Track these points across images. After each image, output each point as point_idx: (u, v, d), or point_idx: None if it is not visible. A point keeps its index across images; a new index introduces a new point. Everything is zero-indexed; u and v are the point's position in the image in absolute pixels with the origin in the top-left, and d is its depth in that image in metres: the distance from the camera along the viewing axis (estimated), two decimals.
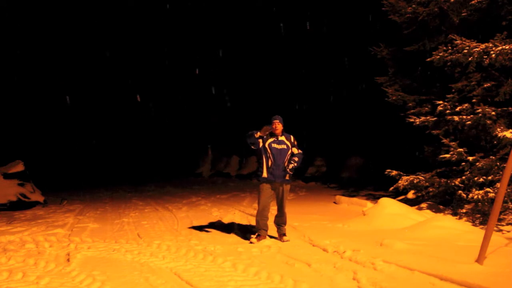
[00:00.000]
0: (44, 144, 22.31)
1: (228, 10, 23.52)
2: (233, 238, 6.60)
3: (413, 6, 8.43)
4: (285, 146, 6.16)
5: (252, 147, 6.17)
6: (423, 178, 8.20)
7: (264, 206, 6.19)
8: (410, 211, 7.45)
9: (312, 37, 19.96)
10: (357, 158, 15.83)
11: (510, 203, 6.98)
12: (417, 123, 8.43)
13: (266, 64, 21.63)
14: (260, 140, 6.12)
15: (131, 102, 25.28)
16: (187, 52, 24.98)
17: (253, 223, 6.54)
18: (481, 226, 6.77)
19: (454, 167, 7.82)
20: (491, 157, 7.25)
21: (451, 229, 6.21)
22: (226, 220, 8.12)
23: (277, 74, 21.05)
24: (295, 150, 6.21)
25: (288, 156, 6.16)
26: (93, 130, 24.64)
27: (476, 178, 7.35)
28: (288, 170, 6.10)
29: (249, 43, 22.54)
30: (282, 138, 6.20)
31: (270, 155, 6.12)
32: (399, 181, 8.43)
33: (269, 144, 6.13)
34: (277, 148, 6.13)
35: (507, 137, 6.92)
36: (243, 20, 22.91)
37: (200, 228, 7.40)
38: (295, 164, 6.11)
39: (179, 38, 25.06)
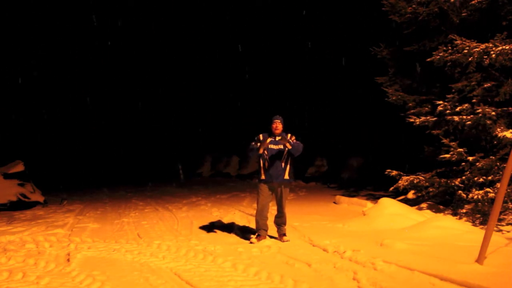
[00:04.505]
0: (44, 144, 22.30)
1: (228, 10, 23.54)
2: (233, 238, 6.60)
3: (413, 6, 8.43)
4: (281, 146, 6.11)
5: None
6: (423, 178, 8.20)
7: (263, 206, 6.19)
8: (410, 211, 7.46)
9: (312, 37, 19.96)
10: (357, 158, 15.82)
11: (510, 203, 6.98)
12: (417, 123, 8.43)
13: (266, 64, 21.64)
14: (259, 144, 6.09)
15: (131, 102, 25.29)
16: (187, 52, 24.98)
17: (253, 223, 6.54)
18: (481, 226, 6.77)
19: (454, 167, 7.82)
20: (491, 157, 7.25)
21: (451, 229, 6.21)
22: (226, 220, 8.12)
23: (277, 74, 21.06)
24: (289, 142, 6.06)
25: (285, 156, 6.12)
26: (94, 130, 24.63)
27: (476, 178, 7.35)
28: (289, 142, 5.97)
29: (249, 43, 22.54)
30: (280, 138, 6.17)
31: (267, 156, 6.10)
32: (399, 181, 8.43)
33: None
34: (274, 149, 6.10)
35: (507, 137, 6.93)
36: (243, 20, 22.92)
37: (200, 228, 7.40)
38: (292, 140, 5.98)
39: (179, 38, 25.06)
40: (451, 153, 7.59)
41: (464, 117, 7.46)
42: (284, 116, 6.22)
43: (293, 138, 6.18)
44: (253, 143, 6.13)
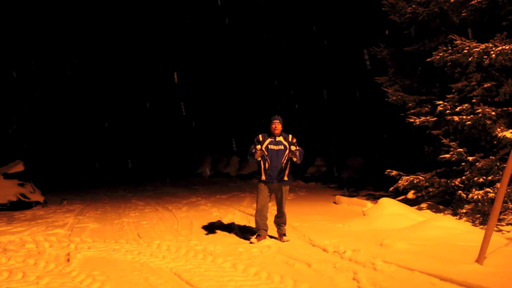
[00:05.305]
0: (44, 144, 22.30)
1: (227, 9, 23.54)
2: (233, 238, 6.60)
3: (413, 6, 8.43)
4: (282, 147, 6.12)
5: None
6: (423, 178, 8.20)
7: (262, 206, 6.18)
8: (410, 211, 7.45)
9: (313, 37, 19.97)
10: (357, 158, 15.83)
11: (510, 203, 6.98)
12: (417, 123, 8.43)
13: (267, 64, 21.64)
14: (258, 146, 6.08)
15: (132, 102, 25.31)
16: (187, 52, 24.99)
17: (253, 223, 6.54)
18: (481, 226, 6.77)
19: (454, 167, 7.82)
20: (491, 157, 7.25)
21: (451, 229, 6.21)
22: (226, 220, 8.12)
23: (278, 74, 21.06)
24: (293, 148, 6.09)
25: (285, 157, 6.12)
26: (94, 130, 24.63)
27: (476, 178, 7.35)
28: (292, 152, 5.96)
29: (250, 43, 22.55)
30: (280, 138, 6.14)
31: (267, 157, 6.10)
32: (399, 181, 8.43)
33: (266, 146, 6.10)
34: (274, 150, 6.10)
35: (507, 137, 6.92)
36: (242, 19, 22.93)
37: (200, 228, 7.40)
38: (297, 153, 5.96)
39: (180, 38, 25.07)
40: (451, 153, 7.59)
41: (464, 117, 7.46)
42: (283, 117, 6.22)
43: (295, 140, 6.17)
44: (252, 146, 6.12)
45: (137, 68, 25.47)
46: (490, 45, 7.09)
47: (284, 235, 6.25)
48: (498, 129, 7.08)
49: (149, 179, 18.11)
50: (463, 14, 7.94)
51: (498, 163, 7.17)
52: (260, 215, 6.19)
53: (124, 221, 8.33)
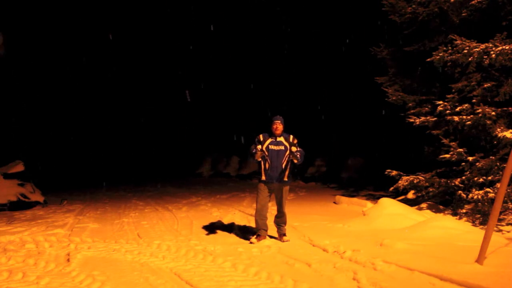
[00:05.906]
0: (44, 144, 22.29)
1: (228, 9, 23.54)
2: (233, 238, 6.60)
3: (413, 6, 8.44)
4: (282, 147, 6.10)
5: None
6: (423, 178, 8.20)
7: (262, 205, 6.18)
8: (410, 211, 7.46)
9: (313, 37, 19.97)
10: (357, 158, 15.84)
11: (510, 203, 6.98)
12: (417, 123, 8.43)
13: (267, 64, 21.63)
14: (259, 146, 6.07)
15: (131, 102, 25.30)
16: (187, 52, 24.99)
17: (253, 223, 6.54)
18: (481, 226, 6.77)
19: (454, 167, 7.82)
20: (491, 157, 7.25)
21: (451, 229, 6.22)
22: (226, 220, 8.12)
23: (278, 74, 21.06)
24: (294, 149, 6.07)
25: (286, 157, 6.12)
26: (94, 130, 24.62)
27: (476, 178, 7.35)
28: (293, 153, 5.97)
29: (250, 43, 22.55)
30: (281, 138, 6.12)
31: (267, 157, 6.09)
32: (399, 181, 8.43)
33: (267, 147, 6.10)
34: (274, 150, 6.08)
35: (507, 137, 6.93)
36: (243, 19, 22.93)
37: (200, 228, 7.40)
38: (298, 154, 5.97)
39: (178, 37, 25.07)
40: (451, 153, 7.59)
41: (464, 117, 7.46)
42: (284, 117, 6.22)
43: (295, 140, 6.16)
44: (253, 146, 6.11)
45: (138, 67, 25.45)
46: (490, 45, 7.09)
47: (284, 235, 6.25)
48: (498, 129, 7.09)
49: (149, 179, 18.11)
50: (463, 14, 7.94)
51: (498, 163, 7.17)
52: (260, 215, 6.19)
53: (124, 221, 8.33)
